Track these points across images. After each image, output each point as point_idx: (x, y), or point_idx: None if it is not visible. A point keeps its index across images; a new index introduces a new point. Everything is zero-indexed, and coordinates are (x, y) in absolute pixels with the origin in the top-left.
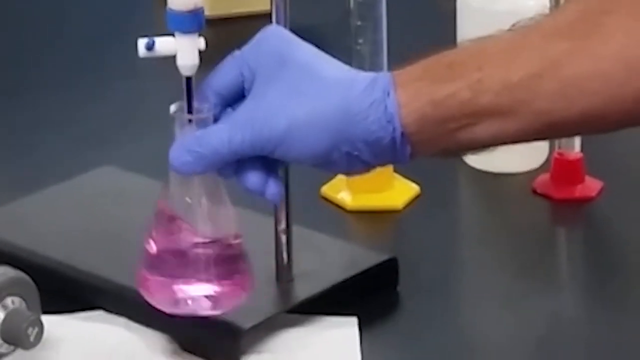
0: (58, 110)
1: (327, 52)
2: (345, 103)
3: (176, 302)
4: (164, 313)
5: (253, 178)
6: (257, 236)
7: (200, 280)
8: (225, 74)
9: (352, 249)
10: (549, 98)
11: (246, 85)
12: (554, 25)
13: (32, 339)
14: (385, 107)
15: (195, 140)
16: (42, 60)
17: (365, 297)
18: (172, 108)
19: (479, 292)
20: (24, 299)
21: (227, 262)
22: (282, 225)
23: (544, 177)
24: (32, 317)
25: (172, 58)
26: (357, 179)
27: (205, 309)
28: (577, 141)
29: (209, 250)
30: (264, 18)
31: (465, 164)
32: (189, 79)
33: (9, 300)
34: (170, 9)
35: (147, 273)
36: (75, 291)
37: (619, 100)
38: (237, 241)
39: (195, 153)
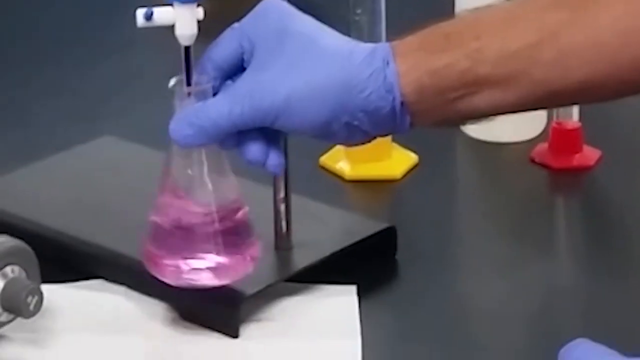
0: (57, 81)
1: (325, 23)
2: (344, 74)
3: (182, 275)
4: (164, 282)
5: (254, 149)
6: (256, 205)
7: (206, 252)
8: (225, 47)
9: (350, 218)
10: (547, 67)
11: (245, 58)
12: None
13: (31, 307)
14: (385, 76)
15: (195, 113)
16: (42, 31)
17: (363, 265)
18: (172, 82)
19: (477, 260)
20: (23, 268)
21: (232, 234)
22: (281, 195)
23: (542, 146)
24: (31, 286)
25: (171, 29)
26: (356, 148)
27: (212, 281)
28: (575, 110)
29: (214, 222)
30: None
31: (463, 133)
32: (187, 49)
33: (8, 269)
34: None
35: (153, 247)
36: (74, 260)
37: (616, 69)
38: (241, 212)
39: (195, 126)
